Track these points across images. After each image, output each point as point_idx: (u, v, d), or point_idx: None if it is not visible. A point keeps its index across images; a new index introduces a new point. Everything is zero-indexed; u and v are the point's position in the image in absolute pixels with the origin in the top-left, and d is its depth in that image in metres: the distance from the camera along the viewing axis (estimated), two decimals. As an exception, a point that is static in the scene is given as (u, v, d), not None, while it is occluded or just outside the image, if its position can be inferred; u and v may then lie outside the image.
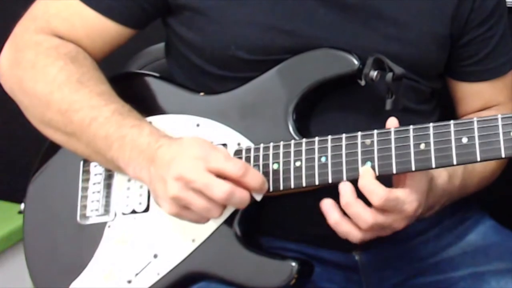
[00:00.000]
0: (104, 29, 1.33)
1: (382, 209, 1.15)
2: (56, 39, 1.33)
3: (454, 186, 1.28)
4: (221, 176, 1.16)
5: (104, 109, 1.26)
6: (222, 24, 1.29)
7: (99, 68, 1.34)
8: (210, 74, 1.33)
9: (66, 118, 1.28)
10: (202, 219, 1.20)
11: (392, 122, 1.18)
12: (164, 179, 1.18)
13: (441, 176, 1.24)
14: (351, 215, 1.16)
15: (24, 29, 1.35)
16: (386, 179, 1.17)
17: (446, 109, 1.41)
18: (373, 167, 1.17)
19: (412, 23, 1.30)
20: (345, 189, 1.16)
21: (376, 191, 1.14)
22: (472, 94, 1.40)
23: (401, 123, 1.19)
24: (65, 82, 1.28)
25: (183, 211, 1.19)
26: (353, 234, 1.18)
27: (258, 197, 1.20)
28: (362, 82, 1.24)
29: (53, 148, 1.40)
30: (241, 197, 1.17)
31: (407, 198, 1.15)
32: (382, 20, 1.29)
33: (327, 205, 1.18)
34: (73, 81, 1.28)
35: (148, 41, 1.57)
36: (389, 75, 1.22)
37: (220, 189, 1.15)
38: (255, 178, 1.18)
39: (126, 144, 1.23)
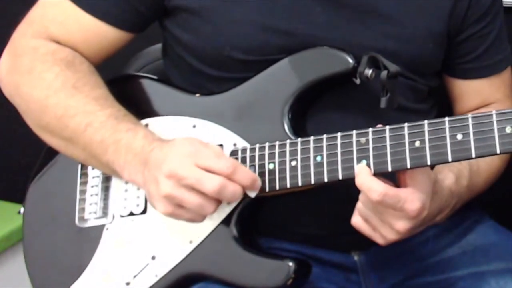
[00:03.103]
0: (100, 33, 1.33)
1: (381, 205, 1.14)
2: (52, 44, 1.33)
3: (462, 186, 1.26)
4: (210, 173, 1.16)
5: (99, 114, 1.26)
6: (217, 25, 1.29)
7: (96, 72, 1.34)
8: (206, 74, 1.33)
9: (61, 123, 1.28)
10: (197, 217, 1.20)
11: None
12: (157, 178, 1.18)
13: (448, 177, 1.23)
14: (392, 206, 1.13)
15: (22, 34, 1.36)
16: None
17: (443, 108, 1.40)
18: (368, 165, 1.16)
19: (409, 20, 1.29)
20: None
21: (375, 187, 1.13)
22: (469, 91, 1.39)
23: (398, 122, 1.17)
24: (60, 87, 1.28)
25: (178, 209, 1.18)
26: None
27: (252, 194, 1.20)
28: (357, 81, 1.24)
29: (52, 151, 1.40)
30: (234, 190, 1.16)
31: (408, 196, 1.13)
32: (378, 18, 1.28)
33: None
34: (68, 87, 1.28)
35: (148, 41, 1.57)
36: (384, 73, 1.21)
37: (212, 182, 1.15)
38: (245, 175, 1.17)
39: (121, 148, 1.23)
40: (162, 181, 1.17)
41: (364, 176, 1.14)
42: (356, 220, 1.18)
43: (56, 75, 1.29)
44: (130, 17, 1.33)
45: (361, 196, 1.17)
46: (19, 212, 1.43)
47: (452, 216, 1.35)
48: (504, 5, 1.40)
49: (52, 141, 1.33)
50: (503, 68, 1.39)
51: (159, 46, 1.51)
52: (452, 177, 1.24)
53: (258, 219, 1.30)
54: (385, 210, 1.15)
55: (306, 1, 1.28)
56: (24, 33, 1.35)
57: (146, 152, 1.21)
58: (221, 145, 1.28)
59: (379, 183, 1.13)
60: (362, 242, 1.28)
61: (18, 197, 1.46)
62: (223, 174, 1.16)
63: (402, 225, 1.15)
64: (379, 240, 1.18)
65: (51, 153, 1.42)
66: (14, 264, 2.08)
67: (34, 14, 1.36)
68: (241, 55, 1.28)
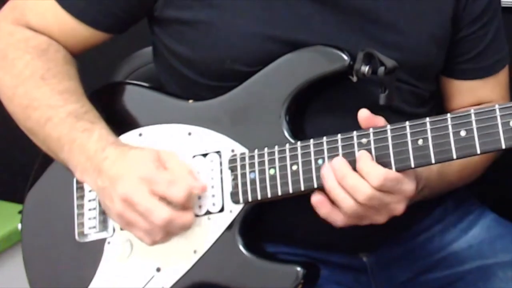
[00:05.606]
0: (77, 30, 1.32)
1: (381, 190, 1.13)
2: (28, 31, 1.33)
3: (431, 170, 1.23)
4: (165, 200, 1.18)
5: (61, 110, 1.26)
6: (215, 38, 1.26)
7: (71, 61, 1.34)
8: (203, 85, 1.30)
9: (25, 113, 1.30)
10: (146, 239, 1.21)
11: (363, 113, 1.16)
12: (111, 196, 1.20)
13: None
14: (348, 188, 1.14)
15: (2, 17, 1.35)
16: None
17: (443, 110, 1.37)
18: None
19: (411, 28, 1.27)
20: (340, 163, 1.15)
21: (374, 172, 1.13)
22: (464, 91, 1.37)
23: None
24: (29, 78, 1.29)
25: (130, 227, 1.21)
26: (347, 203, 1.14)
27: None
28: (354, 78, 1.21)
29: (46, 164, 1.38)
30: (182, 223, 1.19)
31: (405, 177, 1.14)
32: (381, 27, 1.26)
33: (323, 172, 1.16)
34: (36, 77, 1.29)
35: (145, 42, 1.53)
36: (381, 69, 1.19)
37: (160, 215, 1.17)
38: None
39: (75, 148, 1.24)
40: (116, 201, 1.19)
41: (364, 161, 1.14)
42: (343, 223, 1.18)
43: (26, 64, 1.29)
44: (107, 19, 1.31)
45: (360, 197, 1.14)
46: (19, 212, 1.41)
47: (455, 211, 1.36)
48: (503, 5, 1.37)
49: (21, 126, 1.34)
50: (499, 69, 1.36)
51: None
52: None
53: (263, 224, 1.28)
54: (383, 200, 1.14)
55: (306, 10, 1.25)
56: (5, 17, 1.35)
57: (99, 159, 1.22)
58: (218, 152, 1.26)
59: (379, 167, 1.13)
60: (370, 243, 1.29)
61: (18, 197, 1.45)
62: (177, 202, 1.17)
63: (401, 207, 1.15)
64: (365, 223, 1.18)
65: (44, 167, 1.39)
66: (13, 265, 2.04)
67: (17, 1, 1.35)
68: (243, 67, 1.26)
